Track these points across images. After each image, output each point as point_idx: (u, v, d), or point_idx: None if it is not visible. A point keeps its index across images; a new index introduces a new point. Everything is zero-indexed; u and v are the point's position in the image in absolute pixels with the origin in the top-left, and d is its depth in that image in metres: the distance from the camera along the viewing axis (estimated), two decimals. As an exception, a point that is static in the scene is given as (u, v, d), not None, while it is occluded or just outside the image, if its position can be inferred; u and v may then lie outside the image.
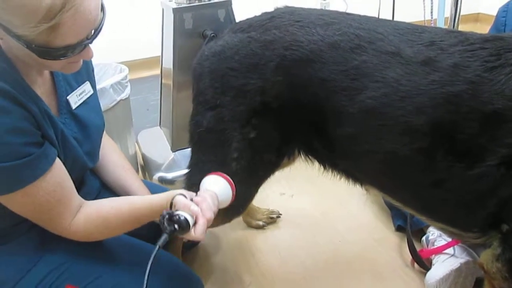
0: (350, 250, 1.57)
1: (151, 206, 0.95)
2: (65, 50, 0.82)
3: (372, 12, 2.93)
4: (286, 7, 1.10)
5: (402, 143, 0.90)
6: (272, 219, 1.71)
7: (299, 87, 0.97)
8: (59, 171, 0.92)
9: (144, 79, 2.21)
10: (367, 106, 0.91)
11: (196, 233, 0.85)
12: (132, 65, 1.97)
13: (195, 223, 0.86)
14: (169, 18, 1.72)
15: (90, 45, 0.87)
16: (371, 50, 0.92)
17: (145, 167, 1.92)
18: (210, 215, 0.88)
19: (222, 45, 1.05)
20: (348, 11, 2.76)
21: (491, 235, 0.93)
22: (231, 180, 0.94)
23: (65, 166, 0.96)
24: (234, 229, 1.68)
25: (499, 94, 0.82)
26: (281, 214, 1.74)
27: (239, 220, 1.69)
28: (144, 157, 1.96)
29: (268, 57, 0.98)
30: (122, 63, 1.93)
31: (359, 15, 1.04)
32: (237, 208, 1.16)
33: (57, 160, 0.92)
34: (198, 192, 0.92)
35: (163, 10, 1.84)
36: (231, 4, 1.75)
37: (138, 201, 0.99)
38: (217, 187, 0.93)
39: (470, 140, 0.85)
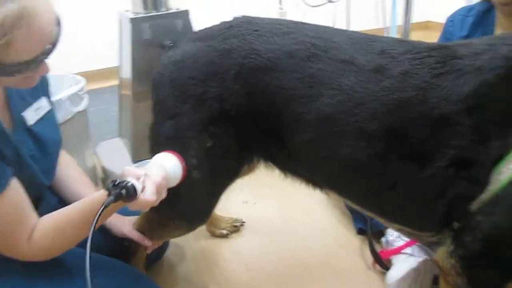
0: (313, 255, 1.59)
1: (101, 200, 0.91)
2: (20, 67, 0.80)
3: (328, 21, 3.04)
4: (244, 16, 1.11)
5: (358, 148, 0.93)
6: (236, 227, 1.71)
7: (257, 95, 0.98)
8: (15, 192, 0.89)
9: (102, 90, 2.17)
10: (323, 113, 0.94)
11: (145, 195, 0.84)
12: (90, 76, 1.93)
13: (143, 189, 0.85)
14: (127, 28, 1.71)
15: (46, 60, 0.84)
16: (327, 58, 0.95)
17: (106, 180, 1.88)
18: (158, 179, 0.87)
19: (181, 54, 1.05)
20: (305, 20, 2.84)
21: (445, 233, 0.97)
22: (182, 157, 0.95)
23: (22, 186, 0.93)
24: (198, 239, 1.67)
25: (446, 99, 0.86)
26: (244, 222, 1.74)
27: (202, 230, 1.69)
28: (104, 169, 1.92)
29: (227, 65, 0.99)
30: (78, 74, 1.89)
31: (315, 25, 1.07)
32: (200, 216, 1.16)
33: (13, 179, 0.89)
34: (147, 166, 0.91)
35: (120, 20, 1.82)
36: (188, 14, 1.76)
37: (88, 200, 0.96)
38: (165, 161, 0.94)
39: (420, 144, 0.88)
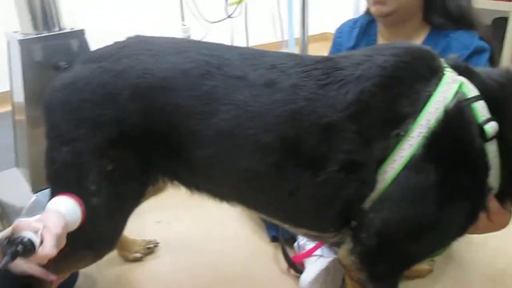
0: (230, 268, 1.60)
1: None
2: None
3: (228, 36, 3.08)
4: (137, 36, 1.10)
5: (256, 160, 0.96)
6: (150, 249, 1.67)
7: (155, 114, 0.98)
8: None
9: (-6, 117, 2.02)
10: (221, 128, 0.96)
11: (44, 249, 0.79)
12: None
13: (41, 242, 0.79)
14: (16, 50, 1.60)
15: None
16: (220, 75, 0.97)
17: (3, 214, 1.74)
18: (57, 230, 0.82)
19: (72, 77, 1.01)
20: (207, 36, 2.86)
21: (345, 232, 1.03)
22: (79, 199, 0.91)
23: None
24: (110, 266, 1.60)
25: (332, 108, 0.93)
26: (158, 243, 1.71)
27: (114, 256, 1.62)
28: (1, 203, 1.77)
29: (121, 86, 0.97)
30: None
31: (209, 43, 1.09)
32: (106, 244, 1.12)
33: None
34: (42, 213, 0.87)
35: (8, 42, 1.70)
36: (84, 33, 1.70)
37: None
38: (63, 207, 0.89)
39: (313, 151, 0.94)
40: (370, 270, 1.02)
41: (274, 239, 1.70)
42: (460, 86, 0.93)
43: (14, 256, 0.75)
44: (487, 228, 1.08)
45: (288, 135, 0.94)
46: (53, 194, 1.07)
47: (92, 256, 1.12)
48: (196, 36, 2.88)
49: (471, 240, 1.67)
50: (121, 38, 1.11)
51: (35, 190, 1.71)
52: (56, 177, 1.04)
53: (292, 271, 1.55)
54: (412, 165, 0.90)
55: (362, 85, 0.93)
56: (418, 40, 1.49)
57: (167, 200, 1.46)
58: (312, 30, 2.31)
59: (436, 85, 0.93)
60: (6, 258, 0.74)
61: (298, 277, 1.49)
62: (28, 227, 0.79)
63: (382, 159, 0.92)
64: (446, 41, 1.43)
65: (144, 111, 0.97)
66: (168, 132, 0.99)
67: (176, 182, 1.11)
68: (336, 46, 1.64)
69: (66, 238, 0.88)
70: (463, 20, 1.44)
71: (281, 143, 0.94)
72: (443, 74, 0.96)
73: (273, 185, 1.00)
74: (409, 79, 0.94)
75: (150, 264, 1.63)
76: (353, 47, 1.56)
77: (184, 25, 2.83)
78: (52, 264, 1.13)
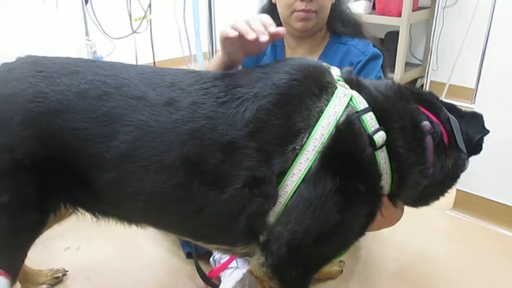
0: (147, 288, 1.56)
1: None
2: None
3: (133, 52, 3.01)
4: (29, 56, 1.04)
5: (161, 181, 0.95)
6: (58, 278, 1.57)
7: (51, 139, 0.93)
8: None
9: None
10: (121, 150, 0.93)
11: None
12: None
13: None
14: None
15: None
16: (119, 96, 0.95)
17: None
18: None
19: None
20: (114, 52, 2.78)
21: (253, 244, 1.06)
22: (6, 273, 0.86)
23: None
24: (13, 302, 1.49)
25: (232, 126, 0.94)
26: (67, 271, 1.61)
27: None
28: None
29: (11, 111, 0.91)
30: None
31: (105, 62, 1.06)
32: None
33: None
34: None
35: None
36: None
37: None
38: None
39: (216, 169, 0.94)
40: (282, 278, 1.05)
41: (189, 255, 1.68)
42: (351, 99, 1.00)
43: None
44: (382, 224, 1.17)
45: (190, 155, 0.94)
46: None
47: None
48: (102, 52, 2.79)
49: (376, 238, 1.79)
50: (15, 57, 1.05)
51: None
52: None
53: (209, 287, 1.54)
54: (310, 177, 0.94)
55: (259, 103, 0.95)
56: (321, 47, 1.58)
57: (75, 224, 1.39)
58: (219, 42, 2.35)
59: (327, 100, 0.99)
60: None
61: (216, 292, 1.50)
62: None
63: (281, 173, 0.95)
64: (346, 48, 1.55)
65: (38, 137, 0.92)
66: (67, 158, 0.94)
67: (79, 209, 1.07)
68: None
69: None
70: (358, 29, 1.57)
71: (183, 162, 0.94)
72: (336, 88, 1.02)
73: (179, 206, 0.99)
74: (300, 96, 0.98)
75: (59, 295, 1.54)
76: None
77: (89, 41, 2.74)
78: None
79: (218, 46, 2.31)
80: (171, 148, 0.93)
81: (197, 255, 1.57)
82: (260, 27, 1.06)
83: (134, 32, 2.71)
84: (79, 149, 0.94)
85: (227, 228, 1.02)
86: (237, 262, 1.49)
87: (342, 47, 1.56)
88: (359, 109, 0.99)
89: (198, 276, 1.54)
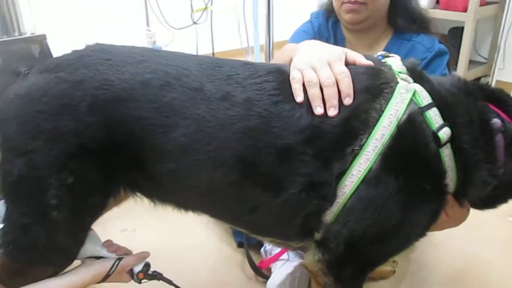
0: (198, 276, 1.60)
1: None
2: None
3: (193, 43, 3.07)
4: (97, 44, 1.08)
5: (216, 177, 0.95)
6: (114, 258, 1.64)
7: (116, 126, 0.95)
8: None
9: None
10: (181, 143, 0.94)
11: None
12: None
13: None
14: (-27, 56, 1.56)
15: None
16: (179, 86, 0.95)
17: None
18: None
19: (27, 87, 0.98)
20: (173, 43, 2.84)
21: (308, 240, 1.05)
22: None
23: None
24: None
25: (286, 130, 0.92)
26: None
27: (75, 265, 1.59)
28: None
29: (79, 97, 0.95)
30: None
31: (168, 51, 1.07)
32: (65, 257, 1.09)
33: None
34: (108, 249, 0.98)
35: (-36, 47, 1.65)
36: (45, 38, 1.66)
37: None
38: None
39: (271, 172, 0.93)
40: (338, 274, 1.04)
41: (240, 245, 1.70)
42: (413, 95, 0.96)
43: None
44: (446, 224, 1.12)
45: (244, 154, 0.93)
46: (8, 207, 1.04)
47: (51, 270, 1.09)
48: (161, 42, 2.85)
49: (432, 241, 1.72)
50: (84, 44, 1.08)
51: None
52: (11, 191, 1.00)
53: (259, 278, 1.55)
54: (370, 178, 0.92)
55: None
56: (382, 43, 1.53)
57: (132, 207, 1.44)
58: (277, 37, 2.34)
59: (387, 99, 0.95)
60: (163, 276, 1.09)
61: (265, 283, 1.50)
62: (140, 258, 1.05)
63: (340, 175, 0.93)
64: (410, 44, 1.49)
65: (103, 124, 0.95)
66: (130, 145, 0.97)
67: (138, 194, 1.10)
68: (309, 30, 1.64)
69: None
70: (423, 25, 1.50)
71: (238, 161, 0.93)
72: (397, 83, 0.98)
73: (233, 203, 1.00)
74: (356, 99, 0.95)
75: (115, 274, 1.60)
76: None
77: (149, 31, 2.81)
78: (8, 280, 1.10)
79: (276, 38, 2.31)
80: (227, 145, 0.93)
81: (248, 245, 1.58)
82: (330, 91, 0.94)
83: (194, 23, 2.75)
84: (141, 138, 0.96)
85: (282, 225, 1.02)
86: (288, 255, 1.49)
87: (406, 44, 1.49)
88: (422, 105, 0.95)
89: (249, 265, 1.56)
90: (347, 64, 1.01)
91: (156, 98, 0.95)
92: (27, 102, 0.96)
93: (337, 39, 1.61)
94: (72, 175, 0.97)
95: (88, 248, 1.11)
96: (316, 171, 0.92)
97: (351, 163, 0.92)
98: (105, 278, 0.87)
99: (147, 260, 0.97)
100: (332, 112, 0.93)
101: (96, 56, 1.00)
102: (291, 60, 1.05)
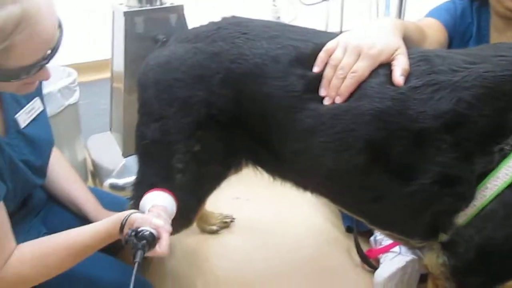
0: (302, 252, 1.60)
1: (97, 235, 0.91)
2: (19, 72, 0.77)
3: (321, 19, 2.99)
4: (233, 17, 1.09)
5: (341, 161, 0.92)
6: (226, 223, 1.72)
7: (245, 101, 0.97)
8: (0, 213, 0.87)
9: (93, 82, 2.15)
10: (306, 124, 0.92)
11: (162, 248, 0.84)
12: (80, 68, 1.91)
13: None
14: (120, 21, 1.69)
15: (47, 65, 0.81)
16: (308, 63, 0.93)
17: (95, 174, 1.88)
18: (170, 228, 0.87)
19: (167, 55, 1.03)
20: (298, 19, 2.79)
21: (431, 241, 0.98)
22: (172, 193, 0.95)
23: (14, 192, 0.91)
24: (188, 235, 1.67)
25: (423, 113, 0.85)
26: (234, 219, 1.75)
27: (192, 225, 1.69)
28: (94, 163, 1.91)
29: (214, 69, 0.97)
30: (69, 66, 1.86)
31: (300, 27, 1.04)
32: (184, 219, 1.16)
33: (1, 201, 0.87)
34: (149, 208, 0.91)
35: (113, 13, 1.79)
36: (183, 9, 1.74)
37: (80, 235, 0.93)
38: (165, 201, 0.93)
39: (402, 158, 0.88)
40: (462, 282, 0.97)
41: (349, 229, 1.66)
42: None
43: (144, 249, 0.82)
44: None
45: (373, 137, 0.88)
46: (140, 165, 1.13)
47: (172, 230, 1.17)
48: (285, 18, 2.82)
49: None
50: (215, 16, 1.11)
51: (126, 154, 1.83)
52: (144, 152, 1.09)
53: (366, 266, 1.51)
54: None
55: (459, 94, 0.84)
56: None
57: (246, 177, 1.48)
58: (409, 16, 2.18)
59: None
60: (139, 252, 0.81)
61: (372, 272, 1.46)
62: (150, 223, 0.85)
63: (483, 174, 0.84)
64: None
65: (234, 97, 0.96)
66: (257, 121, 0.98)
67: (259, 168, 1.11)
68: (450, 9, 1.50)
69: None
70: None
71: (366, 145, 0.89)
72: None
73: (357, 189, 0.96)
74: None
75: (225, 238, 1.68)
76: (466, 29, 1.43)
77: (275, 6, 2.78)
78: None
79: (408, 16, 2.15)
80: (354, 128, 0.89)
81: (357, 231, 1.53)
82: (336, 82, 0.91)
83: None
84: (269, 115, 0.96)
85: (407, 220, 0.96)
86: (400, 248, 1.42)
87: None
88: None
89: (356, 252, 1.52)
90: (389, 61, 0.90)
91: (285, 75, 0.93)
92: (166, 70, 1.02)
93: (480, 26, 1.44)
94: (198, 143, 1.01)
95: (145, 205, 1.10)
96: (453, 162, 0.85)
97: (498, 163, 0.83)
98: (122, 230, 0.89)
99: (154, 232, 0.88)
100: (326, 100, 0.91)
101: (233, 29, 1.01)
102: None
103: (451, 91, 0.85)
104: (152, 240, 0.83)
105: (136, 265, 0.80)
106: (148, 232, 0.82)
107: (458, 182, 0.85)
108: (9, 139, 0.95)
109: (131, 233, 0.83)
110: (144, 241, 0.81)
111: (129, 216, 0.88)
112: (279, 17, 2.84)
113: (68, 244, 0.92)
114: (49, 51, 0.79)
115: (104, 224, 0.92)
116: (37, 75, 0.81)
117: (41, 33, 0.75)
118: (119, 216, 0.90)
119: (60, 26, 0.81)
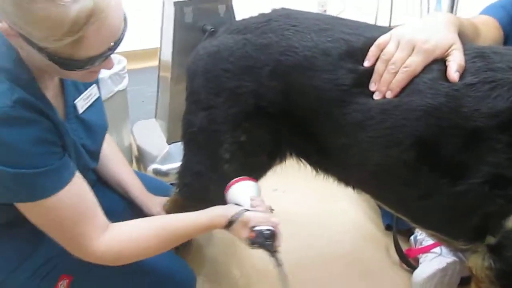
0: (340, 247, 1.60)
1: (200, 225, 0.99)
2: (87, 62, 0.81)
3: (369, 14, 2.94)
4: (283, 9, 1.09)
5: (389, 157, 0.91)
6: (265, 213, 1.73)
7: (293, 93, 0.97)
8: (80, 184, 0.92)
9: (141, 70, 2.21)
10: (355, 119, 0.92)
11: (279, 242, 0.94)
12: (129, 56, 1.96)
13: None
14: (170, 11, 1.72)
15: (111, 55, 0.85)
16: (360, 56, 0.92)
17: (140, 159, 1.94)
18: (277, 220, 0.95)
19: (217, 46, 1.05)
20: (344, 12, 2.73)
21: (477, 244, 0.95)
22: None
23: None
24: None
25: (477, 111, 0.83)
26: (273, 210, 1.75)
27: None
28: (139, 148, 1.97)
29: (263, 61, 0.98)
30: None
31: (351, 20, 1.04)
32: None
33: (77, 172, 0.92)
34: (251, 202, 0.99)
35: (163, 2, 1.83)
36: (231, 0, 1.75)
37: (182, 221, 1.00)
38: (257, 190, 1.02)
39: (453, 156, 0.86)
40: (507, 285, 0.94)
41: (388, 227, 1.64)
42: None
43: (271, 249, 0.94)
44: None
45: (424, 134, 0.86)
46: (185, 153, 1.16)
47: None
48: (332, 11, 2.78)
49: None
50: (262, 8, 1.11)
51: (170, 141, 1.87)
52: (190, 140, 1.11)
53: (404, 265, 1.49)
54: None
55: None
56: None
57: (285, 168, 1.49)
58: (460, 12, 2.10)
59: None
60: (277, 255, 0.94)
61: (411, 272, 1.44)
62: (268, 222, 0.95)
63: None
64: None
65: (283, 89, 0.97)
66: (305, 114, 0.98)
67: (302, 160, 1.11)
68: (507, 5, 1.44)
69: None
70: None
71: (415, 141, 0.87)
72: None
73: (403, 186, 0.95)
74: None
75: (263, 228, 1.69)
76: None
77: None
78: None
79: (461, 14, 2.07)
80: (404, 124, 0.88)
81: (397, 229, 1.51)
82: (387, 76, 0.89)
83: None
84: (316, 108, 0.96)
85: (453, 221, 0.94)
86: (441, 249, 1.39)
87: None
88: None
89: (394, 250, 1.50)
90: (444, 57, 0.87)
91: (334, 69, 0.93)
92: (215, 60, 1.03)
93: None
94: (245, 134, 1.03)
95: (239, 196, 1.15)
96: (507, 163, 0.82)
97: None
98: (229, 225, 0.93)
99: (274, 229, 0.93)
100: (376, 95, 0.90)
101: (283, 21, 1.01)
102: None
103: (509, 89, 0.82)
104: (273, 237, 0.92)
105: (280, 268, 0.93)
106: (269, 231, 0.92)
107: (511, 183, 0.83)
108: (69, 123, 0.99)
109: (258, 233, 0.92)
110: (271, 242, 0.92)
111: (240, 216, 0.95)
112: (325, 10, 2.80)
113: (170, 230, 0.98)
114: (114, 42, 0.83)
115: (208, 215, 0.98)
116: (102, 64, 0.86)
117: (110, 26, 0.79)
118: (223, 210, 0.98)
119: (125, 19, 0.85)
